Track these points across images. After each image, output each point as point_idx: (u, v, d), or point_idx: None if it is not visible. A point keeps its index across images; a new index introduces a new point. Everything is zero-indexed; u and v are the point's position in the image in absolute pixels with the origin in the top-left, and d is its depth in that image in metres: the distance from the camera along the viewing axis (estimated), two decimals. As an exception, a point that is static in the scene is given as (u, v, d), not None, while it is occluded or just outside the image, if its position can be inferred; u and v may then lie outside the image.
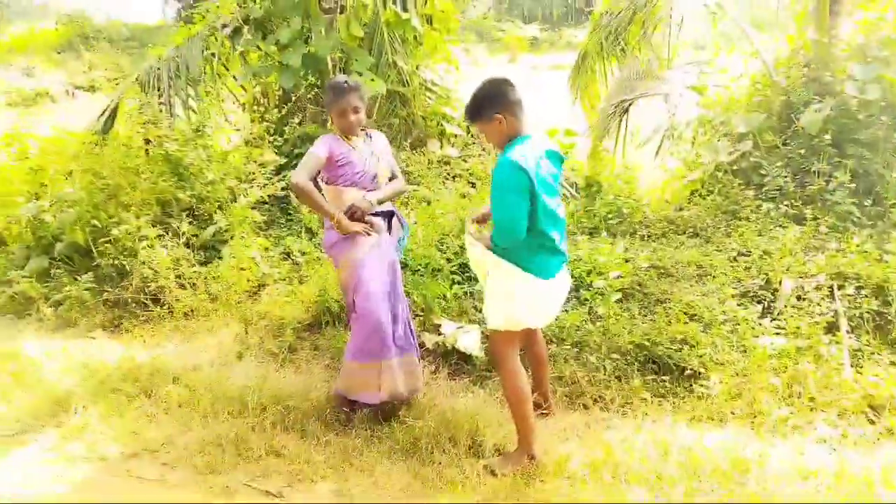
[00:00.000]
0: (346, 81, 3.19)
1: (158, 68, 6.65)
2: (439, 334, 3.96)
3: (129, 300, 4.52)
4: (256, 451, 3.02)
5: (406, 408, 3.30)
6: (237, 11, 6.17)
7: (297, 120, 6.25)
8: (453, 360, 3.84)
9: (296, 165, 3.32)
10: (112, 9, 24.83)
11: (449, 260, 4.43)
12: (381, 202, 3.31)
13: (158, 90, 6.43)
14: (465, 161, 6.36)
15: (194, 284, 4.51)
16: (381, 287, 3.22)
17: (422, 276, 4.31)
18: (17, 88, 13.74)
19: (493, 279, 2.94)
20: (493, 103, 2.81)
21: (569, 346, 3.82)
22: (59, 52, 17.25)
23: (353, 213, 3.20)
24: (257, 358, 3.95)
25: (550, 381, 3.47)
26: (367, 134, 3.39)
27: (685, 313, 3.88)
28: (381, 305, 3.21)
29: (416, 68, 6.18)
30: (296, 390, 3.46)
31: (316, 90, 6.19)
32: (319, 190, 3.26)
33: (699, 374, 3.51)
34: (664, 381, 3.52)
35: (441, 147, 6.26)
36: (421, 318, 4.08)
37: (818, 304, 3.80)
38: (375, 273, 3.22)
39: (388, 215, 3.41)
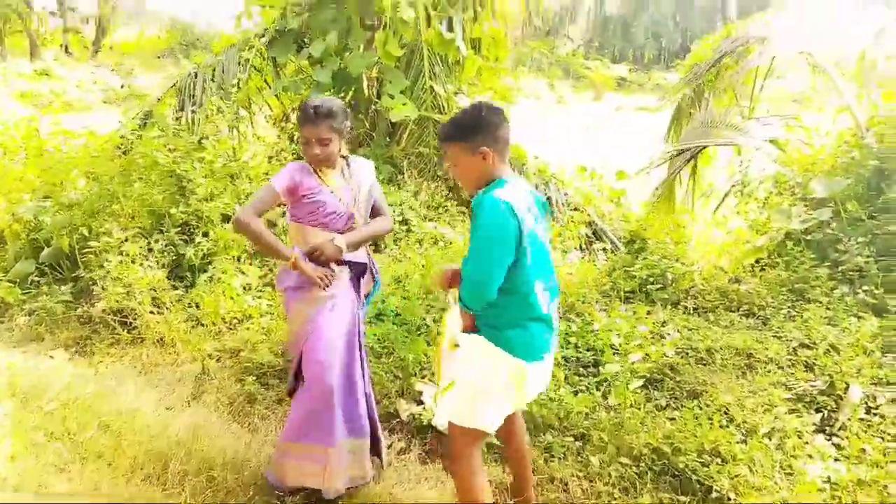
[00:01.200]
0: (316, 106, 2.60)
1: (195, 74, 6.44)
2: (419, 403, 3.36)
3: (97, 319, 4.13)
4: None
5: (348, 497, 2.70)
6: (277, 21, 5.84)
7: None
8: (428, 437, 3.22)
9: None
10: (216, 17, 25.99)
11: (435, 320, 3.84)
12: (354, 246, 2.75)
13: (192, 97, 6.19)
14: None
15: (168, 310, 4.07)
16: (334, 353, 2.64)
17: (406, 331, 3.73)
18: (113, 88, 14.89)
19: (465, 362, 2.32)
20: (484, 133, 2.25)
21: (570, 438, 3.14)
22: (159, 58, 18.35)
23: (317, 257, 2.66)
24: (210, 405, 3.44)
25: (535, 482, 2.81)
26: (346, 163, 2.86)
27: (721, 413, 3.14)
28: (332, 374, 2.63)
29: (456, 94, 5.67)
30: (232, 457, 2.92)
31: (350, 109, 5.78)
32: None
33: (728, 499, 2.76)
34: (682, 502, 2.79)
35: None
36: (400, 381, 3.48)
37: (893, 424, 2.99)
38: (330, 333, 2.64)
39: (360, 268, 2.84)
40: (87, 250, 4.35)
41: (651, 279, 4.54)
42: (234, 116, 5.78)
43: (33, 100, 12.33)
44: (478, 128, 2.26)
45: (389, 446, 3.10)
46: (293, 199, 2.65)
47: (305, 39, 5.70)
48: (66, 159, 5.38)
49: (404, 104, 5.27)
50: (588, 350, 3.78)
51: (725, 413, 3.15)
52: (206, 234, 4.48)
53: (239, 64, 6.08)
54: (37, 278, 4.61)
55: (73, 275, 4.49)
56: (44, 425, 3.16)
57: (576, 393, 3.41)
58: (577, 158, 7.41)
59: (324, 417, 2.59)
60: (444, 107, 5.58)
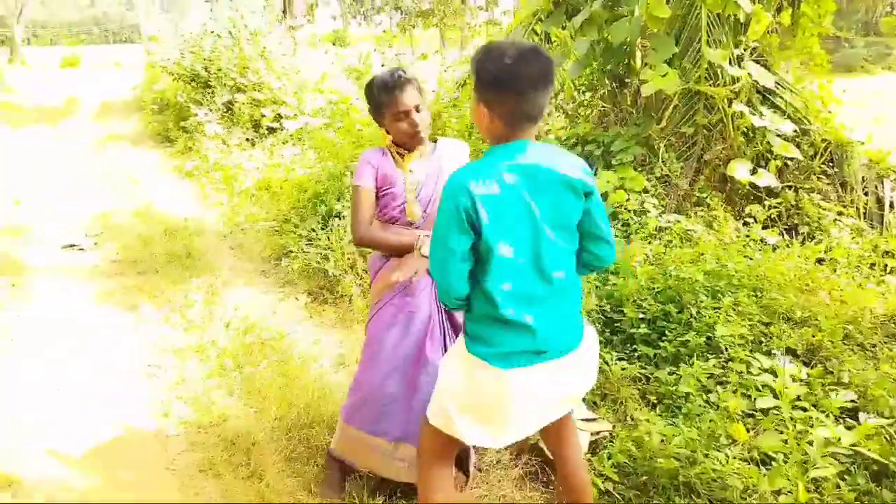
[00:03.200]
0: (393, 71, 2.43)
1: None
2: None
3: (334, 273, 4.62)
4: None
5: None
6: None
7: (585, 116, 5.44)
8: (535, 460, 2.82)
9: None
10: None
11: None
12: None
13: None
14: (784, 197, 4.60)
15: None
16: (391, 361, 2.48)
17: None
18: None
19: (447, 368, 2.01)
20: (487, 83, 1.78)
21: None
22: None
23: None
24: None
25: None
26: (432, 142, 2.60)
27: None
28: (379, 377, 2.49)
29: (739, 60, 4.65)
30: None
31: (611, 84, 5.25)
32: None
33: None
34: None
35: (754, 173, 4.65)
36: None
37: None
38: (394, 341, 2.48)
39: None
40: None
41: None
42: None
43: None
44: (481, 75, 1.78)
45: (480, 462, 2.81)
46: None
47: (574, 6, 5.33)
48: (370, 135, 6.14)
49: (664, 76, 4.53)
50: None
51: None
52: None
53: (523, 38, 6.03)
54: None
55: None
56: (240, 355, 3.72)
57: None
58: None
59: (371, 409, 2.48)
60: (717, 76, 4.63)
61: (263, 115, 9.33)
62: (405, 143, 2.48)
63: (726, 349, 3.23)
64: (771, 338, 3.37)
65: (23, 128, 12.27)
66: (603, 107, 5.32)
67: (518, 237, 1.80)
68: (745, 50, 4.68)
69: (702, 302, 3.51)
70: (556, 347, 1.89)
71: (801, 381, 3.04)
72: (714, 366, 3.18)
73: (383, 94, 2.42)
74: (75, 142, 11.00)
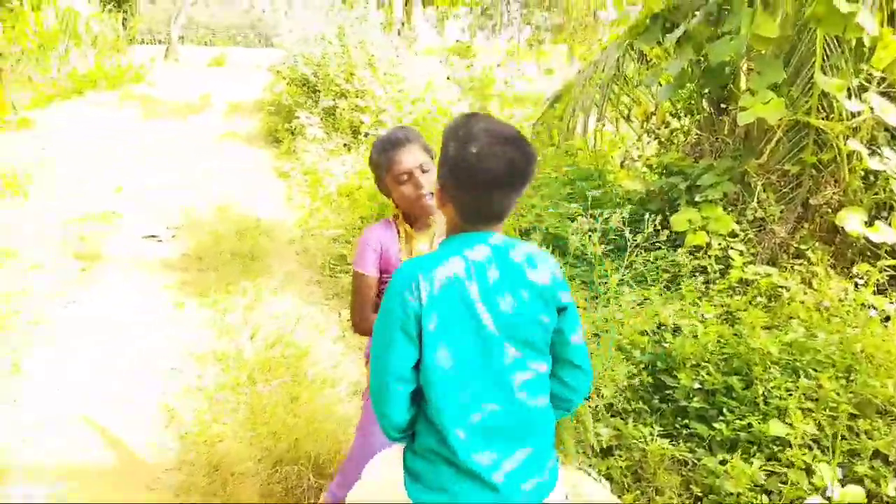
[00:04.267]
0: (398, 128, 2.18)
1: (581, 71, 6.20)
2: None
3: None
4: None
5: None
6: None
7: (679, 144, 4.87)
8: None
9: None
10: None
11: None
12: None
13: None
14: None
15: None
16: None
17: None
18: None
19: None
20: (445, 165, 1.48)
21: None
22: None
23: None
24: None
25: None
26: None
27: None
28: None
29: (860, 92, 3.93)
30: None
31: (709, 109, 4.66)
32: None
33: None
34: None
35: (870, 225, 3.91)
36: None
37: None
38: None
39: None
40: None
41: None
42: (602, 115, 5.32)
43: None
44: (446, 152, 1.47)
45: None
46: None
47: (672, 21, 4.78)
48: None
49: (766, 102, 3.91)
50: None
51: None
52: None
53: (618, 59, 5.54)
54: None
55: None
56: (256, 370, 3.57)
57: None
58: None
59: None
60: (831, 109, 3.94)
61: (363, 122, 9.37)
62: (413, 212, 2.15)
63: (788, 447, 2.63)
64: (858, 435, 2.73)
65: (153, 119, 13.17)
66: (697, 134, 4.73)
67: (462, 347, 1.43)
68: (868, 80, 3.95)
69: (774, 378, 2.91)
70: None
71: None
72: (776, 464, 2.60)
73: (382, 155, 2.12)
74: (195, 137, 11.61)
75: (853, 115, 3.84)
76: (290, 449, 2.85)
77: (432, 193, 2.07)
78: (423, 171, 2.09)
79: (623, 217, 3.33)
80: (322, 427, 2.97)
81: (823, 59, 3.91)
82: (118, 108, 14.23)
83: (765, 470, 2.57)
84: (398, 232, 2.17)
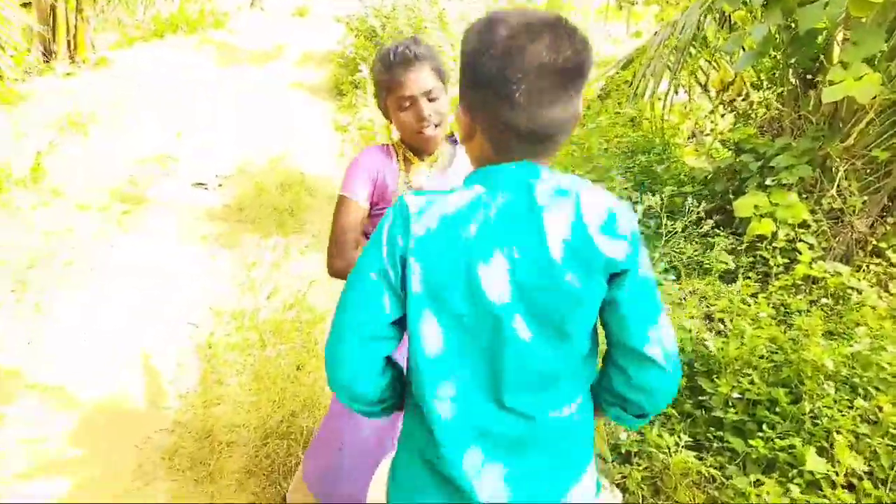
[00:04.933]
0: (407, 45, 1.81)
1: (657, 33, 5.68)
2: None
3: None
4: None
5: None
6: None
7: (757, 118, 4.36)
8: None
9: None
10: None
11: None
12: None
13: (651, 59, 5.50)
14: None
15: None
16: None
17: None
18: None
19: None
20: (467, 74, 1.10)
21: None
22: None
23: None
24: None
25: None
26: (452, 145, 1.99)
27: None
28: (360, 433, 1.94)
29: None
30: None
31: (796, 83, 4.12)
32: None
33: None
34: None
35: (971, 224, 3.37)
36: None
37: None
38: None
39: None
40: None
41: None
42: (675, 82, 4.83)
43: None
44: (467, 58, 1.09)
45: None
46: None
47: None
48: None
49: (859, 78, 3.38)
50: None
51: None
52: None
53: (699, 19, 5.01)
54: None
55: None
56: (269, 332, 3.45)
57: None
58: None
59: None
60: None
61: (425, 78, 9.09)
62: (412, 142, 1.88)
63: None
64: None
65: (226, 66, 13.28)
66: (778, 109, 4.21)
67: (452, 318, 1.09)
68: None
69: (827, 394, 2.53)
70: None
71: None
72: (817, 493, 2.26)
73: (384, 73, 1.83)
74: (264, 85, 11.62)
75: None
76: (284, 420, 2.71)
77: (437, 125, 1.82)
78: (430, 100, 1.80)
79: (663, 199, 2.95)
80: (320, 401, 2.82)
81: (934, 28, 3.34)
82: (195, 53, 14.42)
83: (804, 500, 2.23)
84: (398, 160, 1.90)
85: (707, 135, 4.92)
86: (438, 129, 1.84)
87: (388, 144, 1.95)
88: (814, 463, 2.17)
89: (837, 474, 2.21)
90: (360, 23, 10.76)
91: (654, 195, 3.24)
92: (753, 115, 4.61)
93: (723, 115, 4.88)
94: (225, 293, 3.92)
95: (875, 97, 3.41)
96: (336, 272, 1.81)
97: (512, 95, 1.02)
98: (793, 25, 3.96)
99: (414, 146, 1.90)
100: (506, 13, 1.06)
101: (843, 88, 3.41)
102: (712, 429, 2.70)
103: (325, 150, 7.52)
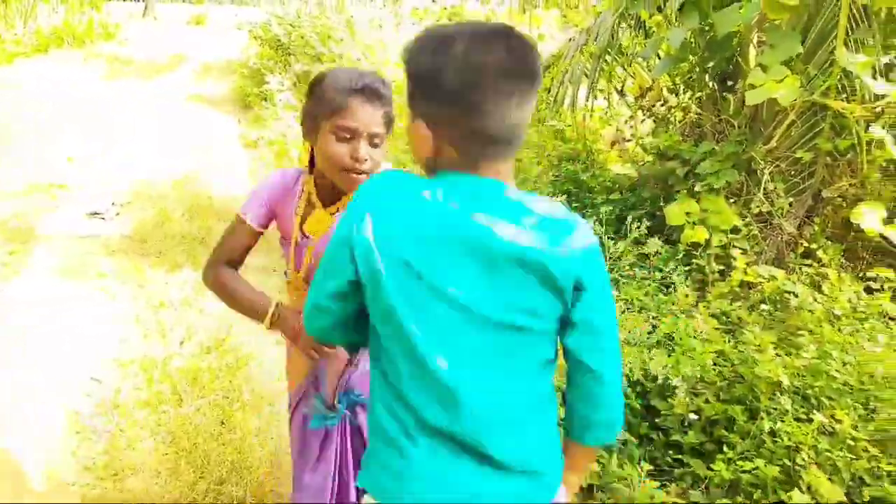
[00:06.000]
0: (372, 80, 1.57)
1: (572, 39, 5.65)
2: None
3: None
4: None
5: None
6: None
7: (676, 123, 4.37)
8: None
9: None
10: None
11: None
12: None
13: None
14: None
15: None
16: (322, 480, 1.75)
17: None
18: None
19: None
20: (423, 85, 1.13)
21: None
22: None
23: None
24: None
25: None
26: None
27: None
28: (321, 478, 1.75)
29: (887, 74, 3.44)
30: None
31: (713, 86, 4.15)
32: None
33: None
34: None
35: (889, 223, 3.46)
36: None
37: None
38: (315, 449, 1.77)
39: None
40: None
41: None
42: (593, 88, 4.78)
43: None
44: (421, 69, 1.12)
45: None
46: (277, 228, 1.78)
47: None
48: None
49: (780, 81, 3.42)
50: None
51: None
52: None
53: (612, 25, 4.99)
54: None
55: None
56: (186, 382, 3.09)
57: None
58: None
59: None
60: (849, 89, 3.45)
61: (339, 89, 8.78)
62: (332, 178, 1.62)
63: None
64: (881, 479, 2.31)
65: (117, 80, 12.44)
66: (698, 113, 4.23)
67: (427, 316, 1.12)
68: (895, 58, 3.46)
69: (785, 409, 2.48)
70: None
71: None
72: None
73: (336, 93, 1.55)
74: (161, 100, 10.92)
75: (877, 98, 3.36)
76: (210, 490, 2.39)
77: (367, 172, 1.58)
78: (373, 145, 1.58)
79: (603, 214, 2.85)
80: (250, 463, 2.51)
81: (847, 33, 3.41)
82: (83, 67, 13.44)
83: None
84: (300, 197, 1.71)
85: (628, 141, 4.91)
86: (363, 177, 1.59)
87: (300, 170, 1.75)
88: (799, 498, 2.08)
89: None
90: (263, 31, 10.28)
91: (587, 207, 3.12)
92: (673, 120, 4.63)
93: (642, 121, 4.89)
94: (130, 340, 3.50)
95: (795, 100, 3.45)
96: (205, 279, 1.79)
97: (479, 105, 1.07)
98: (707, 29, 3.99)
99: (327, 185, 1.67)
100: (453, 29, 1.11)
101: (765, 91, 3.43)
102: (671, 451, 2.60)
103: (235, 169, 7.08)
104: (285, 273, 1.78)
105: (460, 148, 1.11)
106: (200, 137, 8.32)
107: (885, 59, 3.45)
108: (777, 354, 2.67)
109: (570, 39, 5.57)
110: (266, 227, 1.74)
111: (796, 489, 2.14)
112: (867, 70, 3.26)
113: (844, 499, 2.13)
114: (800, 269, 3.45)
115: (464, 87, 1.06)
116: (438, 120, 1.11)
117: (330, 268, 1.17)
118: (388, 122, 1.61)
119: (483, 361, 1.12)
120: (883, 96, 3.36)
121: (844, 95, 3.52)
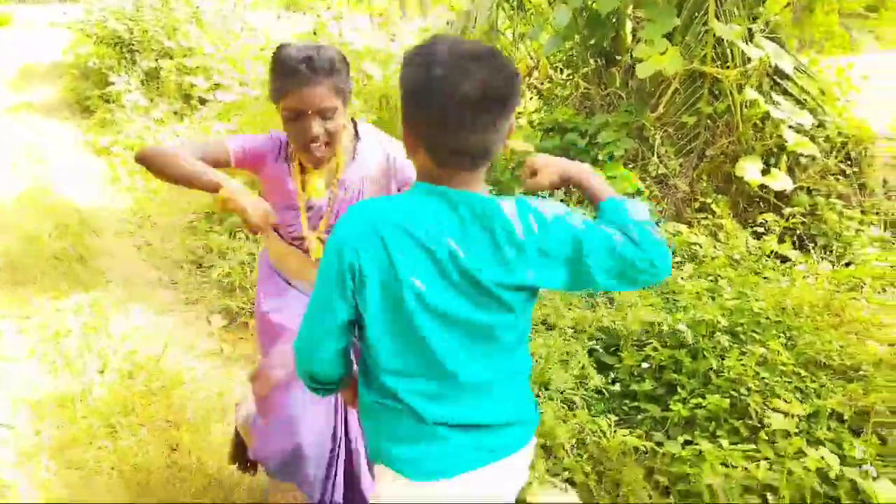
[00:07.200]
0: (309, 56, 1.60)
1: (450, 23, 5.72)
2: None
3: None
4: None
5: None
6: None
7: (563, 98, 4.60)
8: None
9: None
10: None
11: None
12: None
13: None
14: (798, 202, 3.87)
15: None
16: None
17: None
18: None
19: None
20: (406, 98, 1.22)
21: None
22: None
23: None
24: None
25: None
26: (355, 138, 1.83)
27: None
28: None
29: (751, 38, 3.85)
30: None
31: (596, 61, 4.42)
32: None
33: None
34: None
35: (766, 174, 3.89)
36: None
37: None
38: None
39: None
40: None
41: None
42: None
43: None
44: (406, 83, 1.21)
45: None
46: (260, 177, 1.83)
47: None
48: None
49: (663, 53, 3.72)
50: None
51: None
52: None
53: (490, 8, 5.11)
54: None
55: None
56: (117, 413, 2.80)
57: None
58: None
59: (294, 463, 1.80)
60: (728, 57, 3.84)
61: (193, 85, 8.23)
62: (300, 154, 1.74)
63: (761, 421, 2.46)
64: (809, 396, 2.63)
65: (-83, 94, 10.76)
66: (586, 88, 4.48)
67: (424, 314, 1.23)
68: (756, 26, 3.88)
69: (723, 348, 2.74)
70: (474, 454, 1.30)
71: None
72: (745, 439, 2.42)
73: (275, 78, 1.65)
74: (-23, 111, 9.62)
75: (745, 62, 3.75)
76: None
77: (327, 144, 1.68)
78: (325, 118, 1.64)
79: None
80: (211, 479, 2.34)
81: (717, 4, 3.77)
82: None
83: (742, 453, 2.37)
84: (291, 164, 1.78)
85: (519, 117, 5.09)
86: (328, 148, 1.70)
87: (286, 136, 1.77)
88: (779, 422, 2.30)
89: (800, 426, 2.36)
90: (98, 28, 9.34)
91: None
92: (559, 96, 4.86)
93: (530, 98, 5.08)
94: (32, 377, 3.11)
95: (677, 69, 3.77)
96: (143, 153, 1.70)
97: (450, 124, 1.15)
98: (586, 8, 4.21)
99: (301, 158, 1.75)
100: (439, 49, 1.15)
101: (652, 63, 3.71)
102: (628, 401, 2.78)
103: (90, 179, 6.44)
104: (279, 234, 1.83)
105: (436, 160, 1.21)
106: (38, 149, 7.44)
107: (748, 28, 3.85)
108: (710, 299, 2.93)
109: (448, 23, 5.65)
110: (232, 165, 1.75)
111: (771, 412, 2.37)
112: (740, 37, 3.63)
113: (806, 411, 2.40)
114: (698, 222, 3.79)
115: (441, 110, 1.14)
116: (418, 132, 1.21)
117: (325, 305, 1.24)
118: (339, 91, 1.66)
119: (471, 351, 1.25)
120: (749, 60, 3.76)
121: (718, 63, 3.89)
